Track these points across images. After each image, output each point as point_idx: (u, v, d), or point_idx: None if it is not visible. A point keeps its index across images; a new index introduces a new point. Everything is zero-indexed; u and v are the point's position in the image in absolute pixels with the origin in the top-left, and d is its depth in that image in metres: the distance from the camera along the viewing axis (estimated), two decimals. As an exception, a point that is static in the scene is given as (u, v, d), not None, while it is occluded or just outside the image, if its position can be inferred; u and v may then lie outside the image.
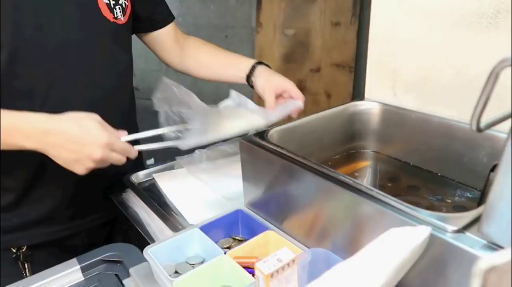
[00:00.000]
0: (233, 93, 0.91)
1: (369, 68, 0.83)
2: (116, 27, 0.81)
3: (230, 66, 0.95)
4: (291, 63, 3.08)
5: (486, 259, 0.20)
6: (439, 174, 0.72)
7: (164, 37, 0.96)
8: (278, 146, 0.63)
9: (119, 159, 0.68)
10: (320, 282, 0.39)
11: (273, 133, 0.69)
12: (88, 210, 0.87)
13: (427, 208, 0.65)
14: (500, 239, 0.38)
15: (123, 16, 0.82)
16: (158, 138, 0.78)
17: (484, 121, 0.39)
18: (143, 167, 0.99)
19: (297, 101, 0.81)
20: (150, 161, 2.87)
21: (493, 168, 0.49)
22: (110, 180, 0.88)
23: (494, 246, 0.39)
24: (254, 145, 0.66)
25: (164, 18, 0.95)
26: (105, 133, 0.65)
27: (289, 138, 0.71)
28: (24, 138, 0.64)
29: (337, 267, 0.38)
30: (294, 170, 0.59)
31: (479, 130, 0.37)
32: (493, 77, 0.34)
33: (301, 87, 3.11)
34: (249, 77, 0.91)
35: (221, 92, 3.83)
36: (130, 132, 0.91)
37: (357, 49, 2.79)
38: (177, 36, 0.99)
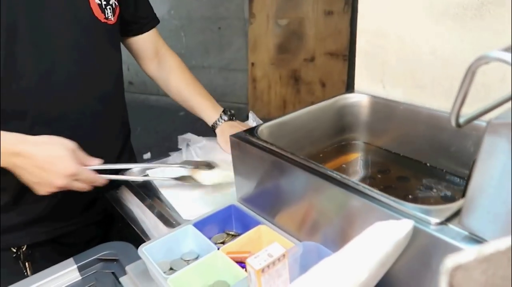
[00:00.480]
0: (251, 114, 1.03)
1: (358, 61, 0.83)
2: (107, 28, 0.81)
3: (198, 107, 1.00)
4: (285, 53, 3.07)
5: (452, 258, 0.21)
6: (428, 164, 0.73)
7: (145, 44, 0.97)
8: (267, 142, 0.63)
9: (82, 187, 0.73)
10: (306, 277, 0.40)
11: (263, 129, 0.70)
12: (85, 207, 0.88)
13: (417, 198, 0.66)
14: (480, 231, 0.39)
15: (113, 16, 0.82)
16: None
17: (465, 115, 0.40)
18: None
19: None
20: (147, 155, 2.88)
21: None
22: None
23: (475, 237, 0.40)
24: (244, 141, 0.66)
25: (147, 22, 0.95)
26: (71, 164, 0.69)
27: (279, 133, 0.72)
28: None
29: (322, 262, 0.40)
30: (283, 166, 0.60)
31: (458, 125, 0.38)
32: (469, 74, 0.35)
33: (296, 77, 3.12)
34: (213, 127, 0.98)
35: (215, 84, 3.81)
36: (121, 131, 0.92)
37: (350, 37, 2.78)
38: (158, 46, 0.99)
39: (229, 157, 0.72)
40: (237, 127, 0.94)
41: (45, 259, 0.74)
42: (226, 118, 0.96)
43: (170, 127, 3.26)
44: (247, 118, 1.07)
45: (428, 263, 0.43)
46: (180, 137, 1.00)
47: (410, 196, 0.67)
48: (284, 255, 0.49)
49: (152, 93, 3.91)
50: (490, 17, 0.62)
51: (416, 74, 0.75)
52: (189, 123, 3.37)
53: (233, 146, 0.69)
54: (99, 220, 0.93)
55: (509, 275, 0.23)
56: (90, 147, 0.75)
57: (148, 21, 0.95)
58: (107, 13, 0.80)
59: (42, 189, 0.70)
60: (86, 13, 0.77)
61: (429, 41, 0.71)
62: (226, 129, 0.93)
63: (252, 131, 0.69)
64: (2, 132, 0.67)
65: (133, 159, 1.02)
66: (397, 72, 0.78)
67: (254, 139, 0.66)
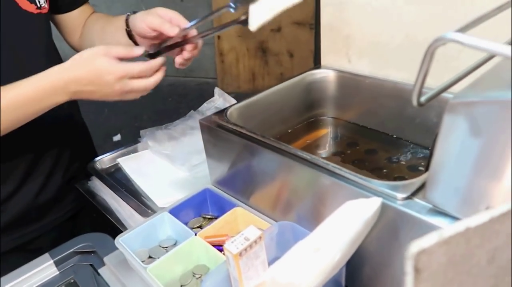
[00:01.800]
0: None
1: (323, 35, 0.83)
2: (41, 18, 0.74)
3: (112, 32, 0.80)
4: (251, 24, 3.02)
5: (416, 243, 0.23)
6: (394, 136, 0.76)
7: (76, 20, 0.85)
8: (237, 125, 0.63)
9: (142, 84, 0.64)
10: (282, 262, 0.41)
11: (233, 111, 0.69)
12: (55, 207, 0.85)
13: (384, 171, 0.69)
14: (443, 204, 0.41)
15: (46, 2, 0.74)
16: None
17: (425, 93, 0.41)
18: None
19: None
20: (117, 137, 2.82)
21: (439, 133, 0.52)
22: (73, 169, 0.87)
23: (439, 210, 0.42)
24: (213, 125, 0.66)
25: None
26: (113, 68, 0.62)
27: (249, 114, 0.72)
28: (53, 96, 0.63)
29: (297, 246, 0.41)
30: (254, 149, 0.60)
31: (420, 105, 0.39)
32: (428, 55, 0.35)
33: (263, 48, 3.09)
34: (128, 31, 0.76)
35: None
36: (71, 123, 0.86)
37: (316, 5, 2.76)
38: (87, 16, 0.87)
39: None
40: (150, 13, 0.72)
41: (15, 265, 0.70)
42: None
43: (137, 106, 3.18)
44: (216, 92, 1.06)
45: (396, 235, 0.46)
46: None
47: (384, 171, 0.69)
48: (260, 237, 0.51)
49: (117, 72, 3.79)
50: (448, -11, 0.63)
51: (379, 47, 0.76)
52: (157, 100, 3.32)
53: (203, 130, 0.69)
54: (68, 218, 0.89)
55: (467, 253, 0.25)
56: (36, 144, 0.71)
57: None
58: (39, 2, 0.72)
59: (119, 97, 0.65)
60: (13, 8, 0.69)
61: (391, 14, 0.71)
62: (140, 15, 0.73)
63: (221, 113, 0.68)
64: (44, 72, 0.62)
65: (92, 153, 0.97)
66: (361, 45, 0.78)
67: (223, 123, 0.65)
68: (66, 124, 0.86)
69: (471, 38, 0.31)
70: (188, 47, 0.68)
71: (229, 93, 1.10)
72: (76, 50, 0.88)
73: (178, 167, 0.81)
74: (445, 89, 0.41)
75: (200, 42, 0.69)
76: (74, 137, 0.89)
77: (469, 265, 0.25)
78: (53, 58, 0.79)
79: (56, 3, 0.80)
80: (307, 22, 2.81)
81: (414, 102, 0.39)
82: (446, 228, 0.24)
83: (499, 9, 0.41)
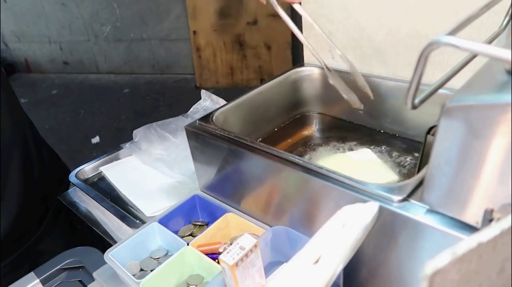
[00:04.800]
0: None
1: (305, 32, 0.82)
2: None
3: None
4: (227, 18, 2.98)
5: (431, 264, 0.22)
6: (382, 131, 0.76)
7: None
8: (223, 130, 0.62)
9: None
10: (280, 278, 0.40)
11: (218, 115, 0.68)
12: (34, 231, 0.81)
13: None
14: (440, 206, 0.41)
15: None
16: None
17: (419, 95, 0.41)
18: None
19: None
20: (95, 139, 2.75)
21: (429, 130, 0.52)
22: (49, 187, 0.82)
23: (435, 211, 0.42)
24: (199, 131, 0.64)
25: None
26: None
27: (235, 117, 0.71)
28: None
29: (294, 258, 0.40)
30: (242, 153, 0.59)
31: (414, 107, 0.38)
32: (422, 59, 0.35)
33: (240, 41, 3.06)
34: None
35: (158, 56, 3.65)
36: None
37: None
38: None
39: None
40: None
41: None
42: None
43: (115, 106, 3.12)
44: (196, 88, 1.04)
45: (393, 237, 0.45)
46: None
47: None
48: (256, 246, 0.50)
49: (91, 72, 3.69)
50: (430, -17, 0.63)
51: (362, 43, 0.75)
52: (135, 99, 3.25)
53: (190, 136, 0.67)
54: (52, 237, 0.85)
55: (479, 268, 0.24)
56: None
57: None
58: None
59: None
60: None
61: (373, 9, 0.71)
62: None
63: (207, 118, 0.66)
64: None
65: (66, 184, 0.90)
66: (344, 42, 0.77)
67: (210, 128, 0.64)
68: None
69: (467, 42, 0.31)
70: None
71: (208, 89, 1.08)
72: None
73: (173, 176, 0.79)
74: (437, 89, 0.41)
75: None
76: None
77: (480, 280, 0.25)
78: None
79: None
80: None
81: (409, 105, 0.38)
82: (459, 245, 0.23)
83: (487, 7, 0.41)
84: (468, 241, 0.23)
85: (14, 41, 3.82)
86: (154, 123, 0.91)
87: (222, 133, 0.62)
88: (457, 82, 0.41)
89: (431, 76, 0.62)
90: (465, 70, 0.45)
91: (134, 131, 0.88)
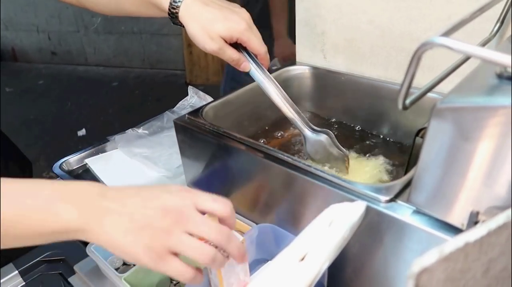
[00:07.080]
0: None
1: (298, 32, 0.82)
2: None
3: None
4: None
5: (418, 263, 0.22)
6: (373, 133, 0.76)
7: None
8: (213, 125, 0.61)
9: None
10: (265, 275, 0.40)
11: (208, 110, 0.67)
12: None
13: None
14: (426, 207, 0.41)
15: None
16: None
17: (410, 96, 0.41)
18: None
19: None
20: (82, 132, 2.71)
21: (418, 133, 0.52)
22: None
23: (422, 211, 0.42)
24: (188, 125, 0.64)
25: None
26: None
27: (225, 112, 0.70)
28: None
29: (280, 256, 0.40)
30: (231, 149, 0.58)
31: (405, 108, 0.38)
32: (415, 60, 0.35)
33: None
34: (172, 12, 0.57)
35: (148, 50, 3.62)
36: None
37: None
38: None
39: None
40: (214, 2, 0.57)
41: None
42: None
43: (103, 99, 3.08)
44: (185, 84, 1.03)
45: (379, 237, 0.45)
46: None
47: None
48: (242, 243, 0.49)
49: (80, 63, 3.63)
50: (424, -13, 0.63)
51: (355, 43, 0.75)
52: (124, 93, 3.21)
53: (178, 130, 0.66)
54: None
55: (465, 268, 0.24)
56: None
57: None
58: None
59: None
60: None
61: (366, 10, 0.71)
62: (197, 8, 0.56)
63: (196, 112, 0.66)
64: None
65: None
66: (336, 42, 0.78)
67: (199, 122, 0.63)
68: None
69: (461, 44, 0.31)
70: None
71: (197, 86, 1.08)
72: (72, 4, 0.71)
73: (158, 170, 0.78)
74: (428, 90, 0.41)
75: None
76: None
77: (466, 279, 0.25)
78: None
79: None
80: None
81: (400, 106, 0.38)
82: (446, 244, 0.23)
83: (480, 10, 0.41)
84: (455, 241, 0.23)
85: (1, 28, 3.74)
86: (135, 127, 0.91)
87: (211, 128, 0.61)
88: (446, 87, 0.41)
89: (421, 80, 0.62)
90: (454, 75, 0.46)
91: (116, 137, 0.87)
